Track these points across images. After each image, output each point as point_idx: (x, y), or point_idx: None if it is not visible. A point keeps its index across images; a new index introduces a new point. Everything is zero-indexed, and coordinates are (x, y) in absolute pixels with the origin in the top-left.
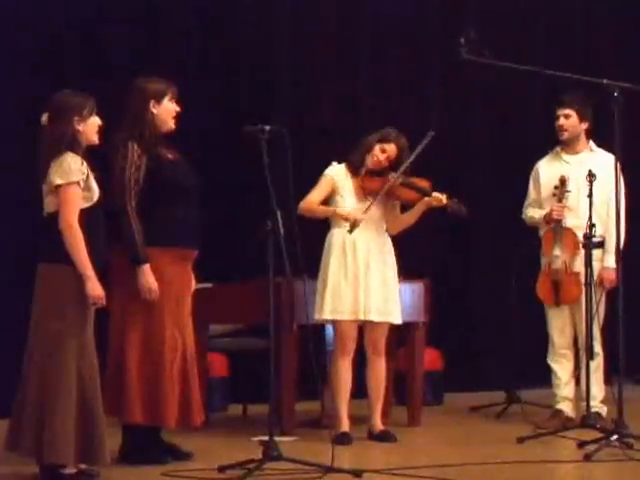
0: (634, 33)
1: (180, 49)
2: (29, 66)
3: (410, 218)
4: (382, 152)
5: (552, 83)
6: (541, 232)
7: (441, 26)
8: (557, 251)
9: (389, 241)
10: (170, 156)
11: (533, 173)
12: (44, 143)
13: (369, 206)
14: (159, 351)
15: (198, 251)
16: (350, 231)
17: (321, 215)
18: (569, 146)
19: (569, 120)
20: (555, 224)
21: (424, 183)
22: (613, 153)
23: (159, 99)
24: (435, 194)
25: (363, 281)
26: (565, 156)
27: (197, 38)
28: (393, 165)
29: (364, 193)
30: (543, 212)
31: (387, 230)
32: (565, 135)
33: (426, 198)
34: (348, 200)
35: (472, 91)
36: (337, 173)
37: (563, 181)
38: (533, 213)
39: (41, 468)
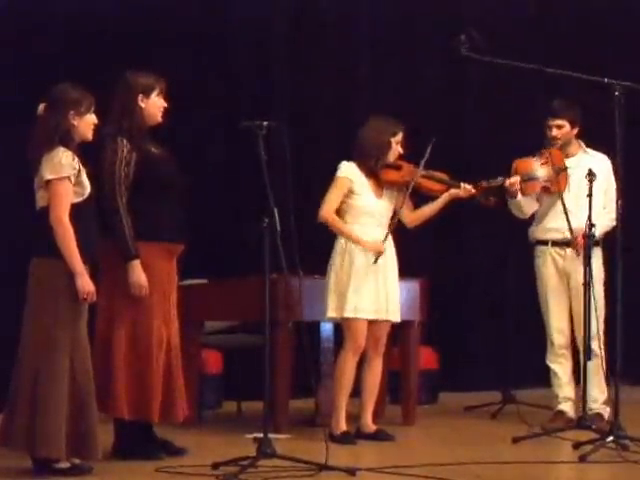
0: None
1: (178, 48)
2: (29, 61)
3: (433, 210)
4: (398, 144)
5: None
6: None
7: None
8: None
9: None
10: (156, 151)
11: None
12: (38, 133)
13: (402, 202)
14: (146, 346)
15: (184, 246)
16: (375, 261)
17: (343, 235)
18: (562, 151)
19: (562, 130)
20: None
21: (444, 175)
22: (607, 152)
23: (148, 93)
24: (464, 185)
25: (383, 280)
26: None
27: (194, 37)
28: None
29: (384, 186)
30: None
31: (406, 223)
32: (558, 144)
33: (453, 190)
34: (366, 199)
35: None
36: (351, 172)
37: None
38: None
39: (34, 462)
